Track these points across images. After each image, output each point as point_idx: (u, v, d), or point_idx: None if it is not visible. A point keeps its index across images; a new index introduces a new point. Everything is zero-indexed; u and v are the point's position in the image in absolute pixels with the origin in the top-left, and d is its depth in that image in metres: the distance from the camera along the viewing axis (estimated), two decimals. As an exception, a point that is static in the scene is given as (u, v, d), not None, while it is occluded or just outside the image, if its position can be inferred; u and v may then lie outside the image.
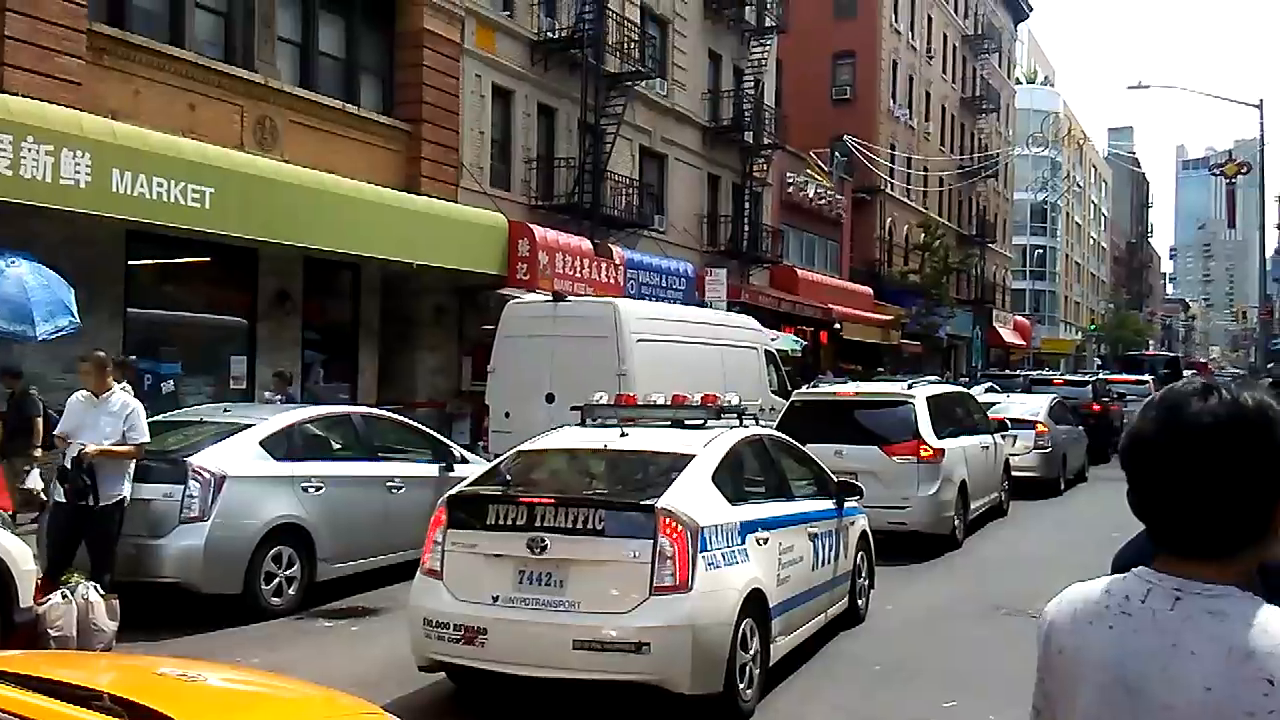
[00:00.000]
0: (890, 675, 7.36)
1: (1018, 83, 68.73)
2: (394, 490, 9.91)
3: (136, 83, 14.19)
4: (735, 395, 7.91)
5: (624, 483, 6.87)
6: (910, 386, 13.29)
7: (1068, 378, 31.27)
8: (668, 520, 5.88)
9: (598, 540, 5.93)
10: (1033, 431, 17.38)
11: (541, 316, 13.73)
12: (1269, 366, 49.14)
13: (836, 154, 38.94)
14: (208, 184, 13.53)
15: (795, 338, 30.06)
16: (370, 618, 8.82)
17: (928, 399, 12.57)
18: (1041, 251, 77.95)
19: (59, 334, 11.26)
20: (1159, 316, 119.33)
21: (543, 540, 5.95)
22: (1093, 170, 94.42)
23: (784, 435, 8.67)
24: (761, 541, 6.61)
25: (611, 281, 21.53)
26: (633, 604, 5.79)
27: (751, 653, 6.24)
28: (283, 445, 9.22)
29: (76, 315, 11.55)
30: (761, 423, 8.51)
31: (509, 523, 6.11)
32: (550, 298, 14.54)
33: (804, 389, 15.62)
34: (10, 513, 7.69)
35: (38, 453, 10.52)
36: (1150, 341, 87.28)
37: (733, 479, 6.83)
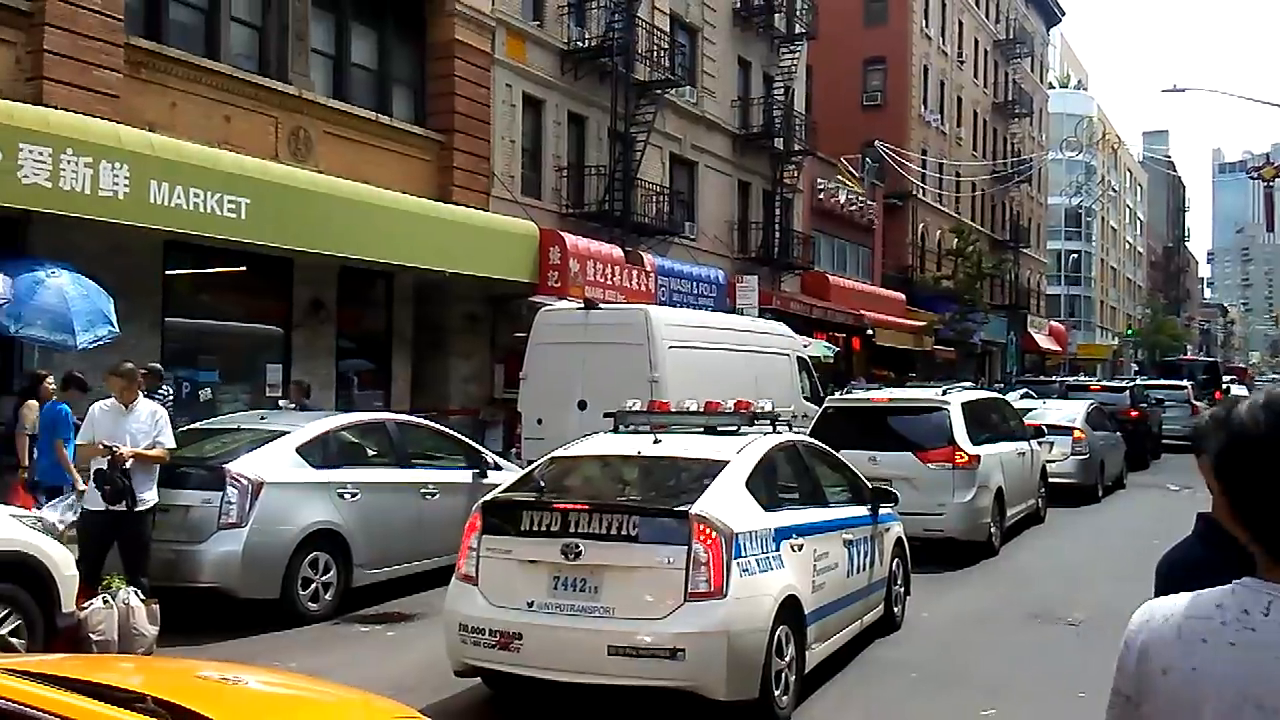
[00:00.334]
0: (927, 682, 7.30)
1: (1050, 87, 68.19)
2: (428, 496, 9.96)
3: (173, 95, 14.38)
4: (768, 401, 7.88)
5: (658, 489, 6.87)
6: (945, 392, 13.20)
7: (1105, 383, 30.93)
8: (702, 526, 5.87)
9: (632, 546, 5.93)
10: (1070, 437, 17.20)
11: (573, 324, 13.76)
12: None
13: (868, 160, 38.79)
14: (243, 195, 13.68)
15: (827, 344, 29.95)
16: (406, 623, 8.87)
17: (963, 405, 12.48)
18: (1076, 256, 77.24)
19: (98, 343, 11.41)
20: (1197, 321, 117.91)
21: (577, 546, 5.95)
22: (1128, 174, 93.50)
23: (817, 441, 8.64)
24: (796, 548, 6.58)
25: (642, 289, 21.54)
26: (667, 610, 5.79)
27: (787, 659, 6.22)
28: (319, 452, 9.30)
29: (116, 324, 11.71)
30: (795, 429, 8.48)
31: (543, 529, 6.12)
32: (582, 305, 14.57)
33: (837, 395, 15.56)
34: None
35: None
36: (1188, 347, 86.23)
37: (766, 485, 6.81)
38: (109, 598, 7.30)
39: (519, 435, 14.02)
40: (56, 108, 12.27)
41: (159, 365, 11.53)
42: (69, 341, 11.16)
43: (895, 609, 8.59)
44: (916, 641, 8.32)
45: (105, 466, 7.77)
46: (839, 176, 35.81)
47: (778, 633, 6.08)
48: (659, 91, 24.08)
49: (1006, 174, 51.73)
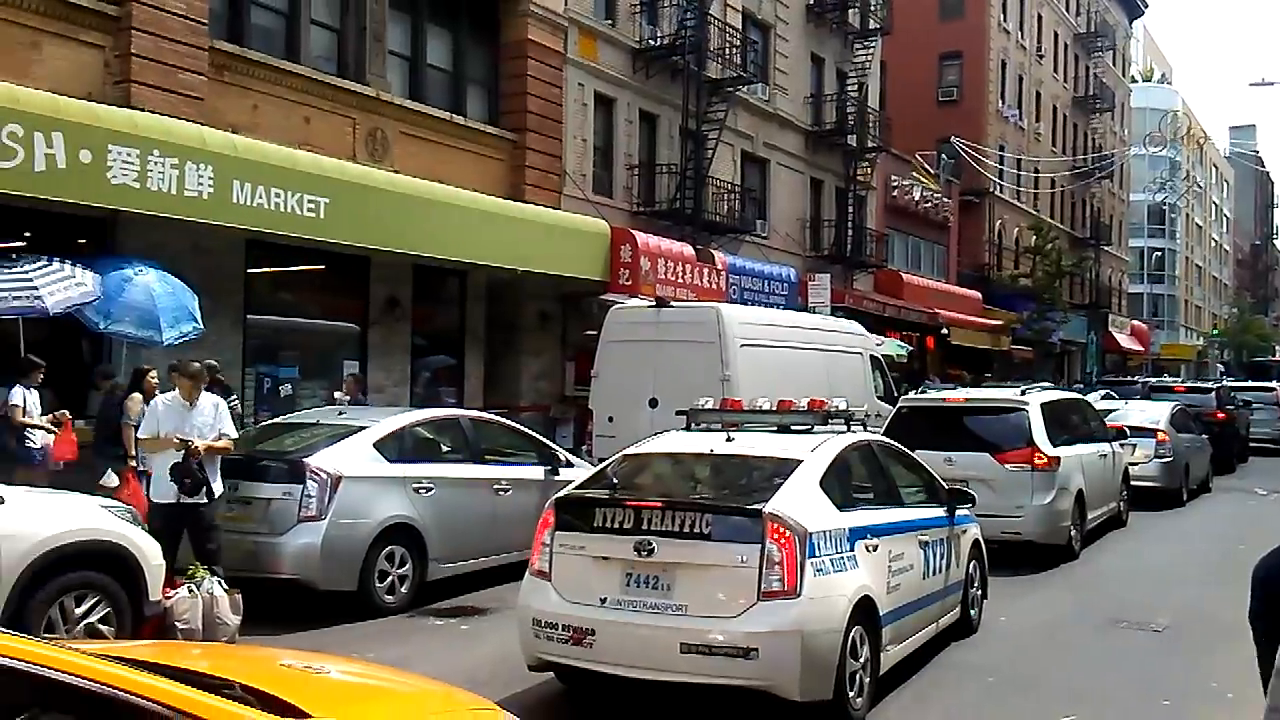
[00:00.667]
0: (1004, 686, 7.17)
1: (1133, 81, 66.53)
2: (501, 492, 10.05)
3: (255, 97, 14.70)
4: (842, 400, 7.80)
5: (730, 487, 6.85)
6: (1023, 392, 12.95)
7: (1190, 384, 30.11)
8: (775, 525, 5.83)
9: (705, 544, 5.91)
10: (1153, 440, 16.79)
11: (644, 322, 13.78)
12: None
13: (943, 156, 38.23)
14: (322, 195, 13.93)
15: (900, 343, 29.59)
16: (479, 617, 8.96)
17: (1042, 405, 12.23)
18: (1160, 254, 75.25)
19: (183, 339, 11.72)
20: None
21: (650, 543, 5.95)
22: (1214, 170, 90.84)
23: (892, 441, 8.53)
24: (871, 548, 6.51)
25: (713, 287, 21.48)
26: (740, 609, 5.76)
27: (861, 660, 6.15)
28: (395, 447, 9.44)
29: (200, 321, 12.02)
30: (868, 428, 8.39)
31: (616, 526, 6.13)
32: (653, 303, 14.59)
33: (911, 395, 15.36)
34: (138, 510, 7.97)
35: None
36: (1276, 347, 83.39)
37: (841, 485, 6.74)
38: (194, 587, 7.50)
39: (590, 433, 14.08)
40: (144, 110, 12.61)
41: (216, 362, 11.67)
42: (155, 338, 11.48)
43: (972, 612, 8.45)
44: (994, 645, 8.18)
45: (181, 460, 7.96)
46: (914, 173, 35.34)
47: (852, 633, 6.01)
48: (731, 89, 23.99)
49: (1087, 170, 50.56)
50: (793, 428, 7.36)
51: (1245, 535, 13.26)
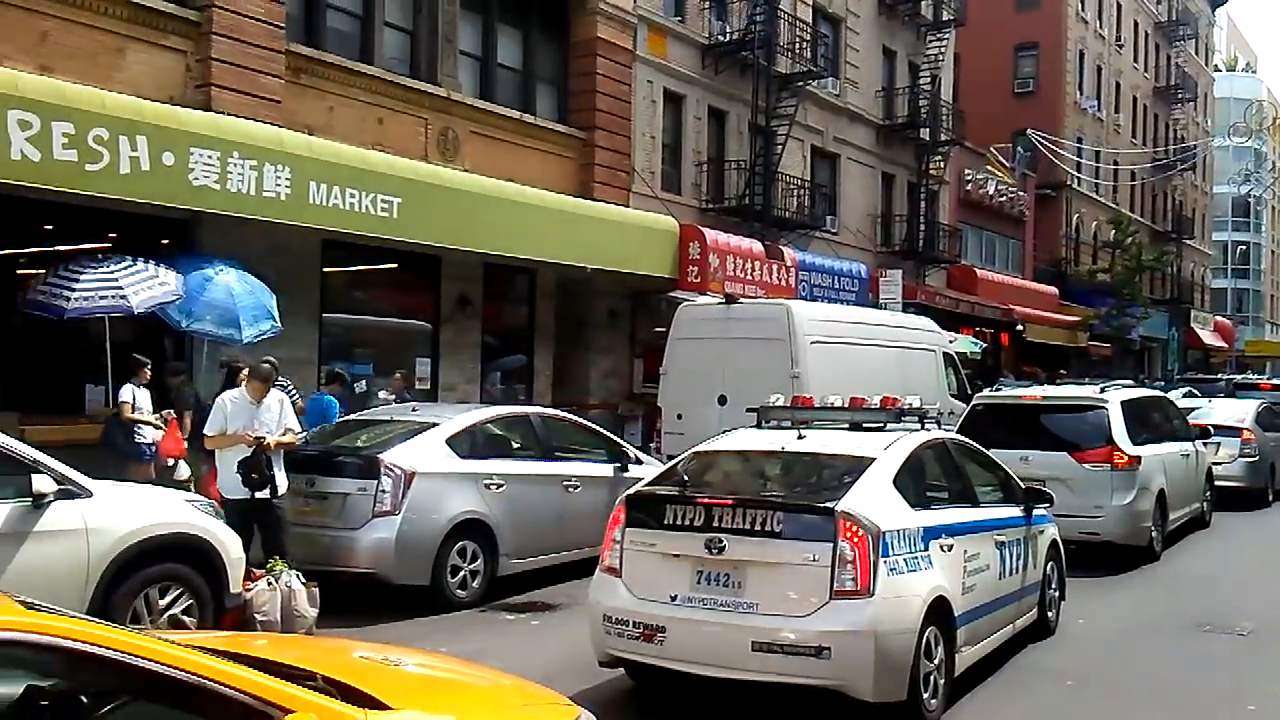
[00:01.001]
0: (1083, 690, 7.02)
1: (1217, 70, 64.57)
2: (571, 489, 10.10)
3: (330, 99, 14.96)
4: (916, 398, 7.70)
5: (802, 485, 6.79)
6: (1103, 390, 12.66)
7: (1276, 381, 29.17)
8: (848, 523, 5.78)
9: (776, 542, 5.88)
10: (1238, 439, 16.32)
11: (713, 319, 13.75)
12: None
13: (1019, 149, 37.48)
14: (396, 194, 14.13)
15: (974, 339, 29.11)
16: (549, 612, 9.02)
17: (1122, 403, 11.95)
18: (1245, 248, 73.02)
19: (262, 337, 11.97)
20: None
21: (720, 541, 5.94)
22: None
23: (967, 439, 8.40)
24: (946, 548, 6.41)
25: (783, 283, 21.35)
26: (812, 607, 5.72)
27: (936, 661, 6.07)
28: (466, 444, 9.54)
29: (278, 319, 12.27)
30: (942, 426, 8.27)
31: (687, 523, 6.13)
32: (722, 300, 14.53)
33: (986, 392, 15.11)
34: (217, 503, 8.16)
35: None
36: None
37: (914, 483, 6.65)
38: (273, 580, 7.66)
39: (659, 430, 14.09)
40: (224, 113, 12.90)
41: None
42: (235, 336, 11.75)
43: (1049, 614, 8.29)
44: (1072, 648, 8.01)
45: (250, 456, 8.11)
46: (988, 167, 34.74)
47: (926, 634, 5.94)
48: (801, 84, 23.81)
49: (1169, 162, 49.22)
50: (865, 425, 7.28)
51: (1337, 538, 12.81)
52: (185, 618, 6.89)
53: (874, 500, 6.06)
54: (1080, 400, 12.36)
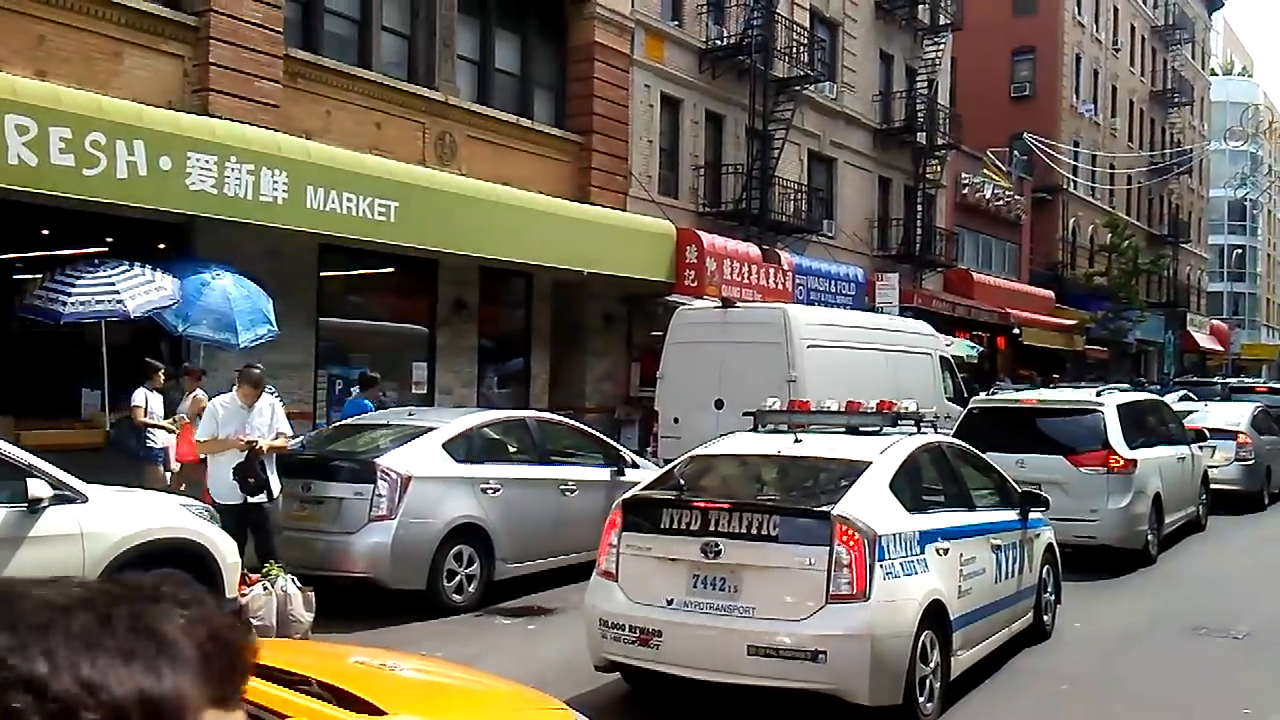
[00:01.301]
0: (1079, 694, 7.03)
1: (1213, 74, 64.71)
2: (567, 493, 10.10)
3: (328, 104, 14.96)
4: (912, 402, 7.71)
5: (798, 489, 6.81)
6: (1099, 393, 12.68)
7: (1272, 385, 29.22)
8: (844, 527, 5.79)
9: (772, 546, 5.89)
10: (1233, 442, 16.36)
11: (710, 323, 13.76)
12: None
13: (1015, 153, 37.53)
14: (393, 198, 14.13)
15: (970, 343, 29.14)
16: (545, 617, 9.01)
17: (1118, 407, 11.97)
18: (1241, 251, 73.10)
19: (259, 341, 11.97)
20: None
21: (716, 545, 5.94)
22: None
23: (963, 443, 8.41)
24: (941, 552, 6.42)
25: (780, 287, 21.36)
26: (808, 611, 5.72)
27: (932, 665, 6.08)
28: (463, 448, 9.54)
29: (275, 324, 12.27)
30: (938, 430, 8.28)
31: (683, 527, 6.13)
32: (719, 304, 14.54)
33: (982, 396, 15.13)
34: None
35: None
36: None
37: (911, 487, 6.66)
38: (269, 585, 7.65)
39: (655, 434, 14.10)
40: (221, 118, 12.91)
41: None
42: (232, 340, 11.74)
43: (1045, 617, 8.30)
44: (1067, 651, 8.02)
45: (244, 460, 8.11)
46: (985, 170, 34.77)
47: (922, 638, 5.94)
48: (798, 88, 23.83)
49: (1165, 166, 49.27)
50: (861, 429, 7.30)
51: (1333, 541, 12.82)
52: (181, 622, 6.87)
53: (870, 504, 6.07)
54: (1076, 404, 12.39)
